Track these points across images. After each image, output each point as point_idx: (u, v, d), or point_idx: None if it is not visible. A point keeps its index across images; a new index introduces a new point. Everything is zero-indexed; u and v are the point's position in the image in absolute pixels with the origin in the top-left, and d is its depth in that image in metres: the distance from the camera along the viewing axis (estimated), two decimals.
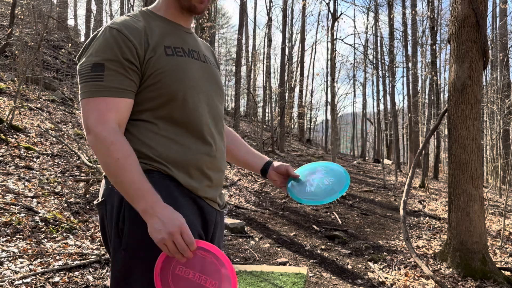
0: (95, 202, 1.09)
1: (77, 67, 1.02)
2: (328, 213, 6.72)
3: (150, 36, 1.05)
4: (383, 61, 18.03)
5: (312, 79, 30.51)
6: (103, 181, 1.09)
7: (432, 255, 4.29)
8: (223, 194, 1.25)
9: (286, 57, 18.63)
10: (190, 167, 1.08)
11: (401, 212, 4.16)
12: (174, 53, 1.08)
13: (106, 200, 1.04)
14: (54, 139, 6.06)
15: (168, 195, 1.02)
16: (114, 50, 0.99)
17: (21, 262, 2.86)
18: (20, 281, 2.60)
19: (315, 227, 5.50)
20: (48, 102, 8.29)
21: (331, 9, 9.14)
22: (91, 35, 1.07)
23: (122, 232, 1.00)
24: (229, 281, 0.97)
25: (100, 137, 0.96)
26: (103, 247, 3.49)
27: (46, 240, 3.32)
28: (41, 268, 2.84)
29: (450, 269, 3.76)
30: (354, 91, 29.90)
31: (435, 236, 5.41)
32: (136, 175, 0.96)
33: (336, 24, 8.96)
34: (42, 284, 2.64)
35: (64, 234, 3.52)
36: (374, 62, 20.04)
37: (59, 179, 4.74)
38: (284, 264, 3.85)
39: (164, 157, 1.04)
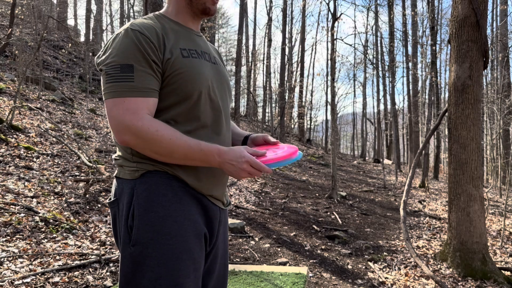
0: (107, 201, 1.13)
1: (101, 67, 1.04)
2: (328, 213, 6.71)
3: (166, 38, 1.08)
4: (383, 61, 18.03)
5: (312, 79, 30.54)
6: (115, 181, 1.13)
7: (432, 255, 4.29)
8: (227, 193, 1.28)
9: (286, 57, 18.61)
10: (197, 167, 1.11)
11: (401, 212, 4.16)
12: (189, 55, 1.12)
13: (119, 199, 1.08)
14: (54, 139, 6.06)
15: (174, 195, 1.06)
16: (141, 51, 1.02)
17: (21, 262, 2.85)
18: (20, 281, 2.60)
19: (315, 227, 5.50)
20: (48, 102, 8.29)
21: (331, 9, 9.13)
22: (113, 36, 1.08)
23: (131, 229, 1.04)
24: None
25: (143, 130, 0.99)
26: (103, 247, 3.49)
27: (46, 240, 3.32)
28: (41, 268, 2.83)
29: (450, 269, 3.76)
30: (354, 91, 29.93)
31: (435, 236, 5.41)
32: (192, 144, 1.02)
33: (336, 24, 8.94)
34: (42, 284, 2.64)
35: (64, 234, 3.51)
36: (374, 62, 20.05)
37: (59, 179, 4.74)
38: (284, 264, 3.84)
39: None
